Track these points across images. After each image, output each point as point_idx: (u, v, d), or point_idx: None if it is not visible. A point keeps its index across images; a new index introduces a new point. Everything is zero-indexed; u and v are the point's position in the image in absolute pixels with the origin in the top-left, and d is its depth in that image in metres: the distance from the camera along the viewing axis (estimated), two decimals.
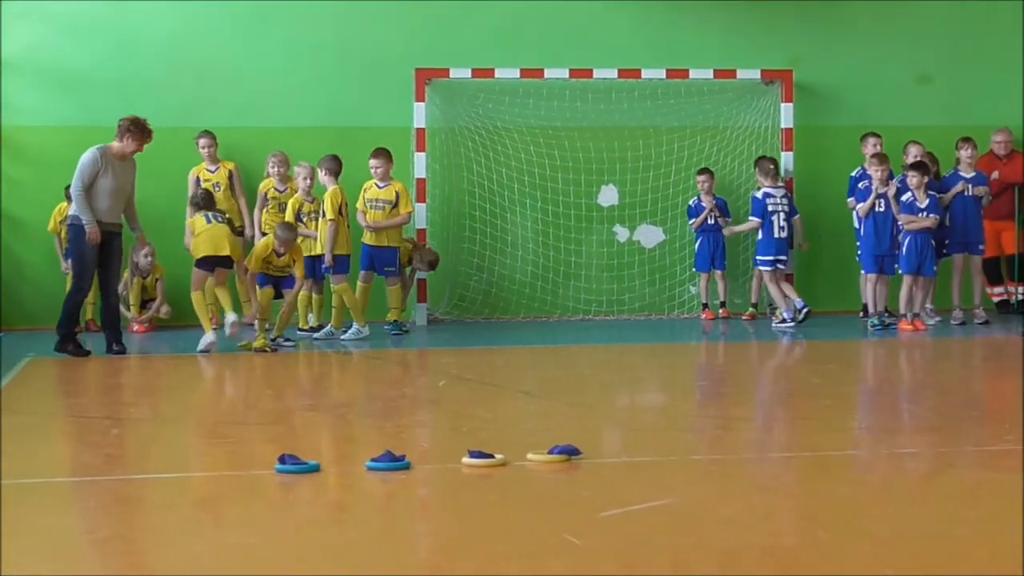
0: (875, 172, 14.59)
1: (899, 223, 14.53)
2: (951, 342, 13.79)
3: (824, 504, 6.64)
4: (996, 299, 15.96)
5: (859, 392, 11.09)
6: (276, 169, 14.86)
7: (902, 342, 13.74)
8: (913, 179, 14.49)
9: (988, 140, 15.85)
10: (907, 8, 16.36)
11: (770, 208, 14.85)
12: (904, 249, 14.46)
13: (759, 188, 15.01)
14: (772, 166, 14.98)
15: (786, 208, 14.94)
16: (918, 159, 14.87)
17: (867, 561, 5.51)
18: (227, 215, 13.80)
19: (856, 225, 15.08)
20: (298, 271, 13.22)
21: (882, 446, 8.36)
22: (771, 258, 14.85)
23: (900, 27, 16.35)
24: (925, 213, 14.45)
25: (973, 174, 15.15)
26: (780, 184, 15.02)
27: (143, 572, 5.49)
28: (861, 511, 6.46)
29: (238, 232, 14.75)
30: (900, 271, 14.63)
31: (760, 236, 14.96)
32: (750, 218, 15.06)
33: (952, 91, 16.42)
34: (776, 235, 14.87)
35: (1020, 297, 16.00)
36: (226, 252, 13.23)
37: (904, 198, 14.52)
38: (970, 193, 15.00)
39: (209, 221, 13.29)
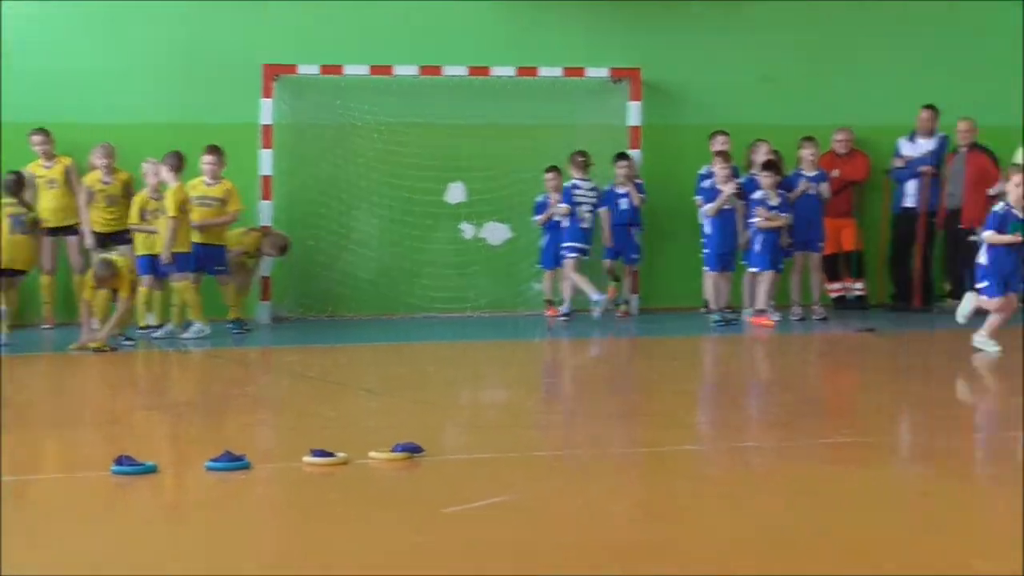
0: (719, 170, 14.77)
1: (750, 221, 14.73)
2: (791, 338, 13.98)
3: (666, 499, 6.68)
4: (834, 295, 16.22)
5: (701, 387, 11.20)
6: (101, 161, 14.54)
7: (743, 338, 13.92)
8: (767, 179, 14.72)
9: (829, 139, 16.12)
10: (751, 8, 16.55)
11: (576, 199, 15.14)
12: (758, 246, 14.66)
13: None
14: (581, 158, 15.33)
15: (592, 200, 15.21)
16: (770, 159, 15.10)
17: (708, 556, 5.54)
18: (33, 214, 13.64)
19: (701, 222, 15.24)
20: (123, 293, 12.87)
21: (723, 441, 8.44)
22: (579, 245, 15.18)
23: (744, 27, 16.52)
24: (777, 212, 14.71)
25: (815, 172, 15.40)
26: (588, 177, 15.24)
27: None
28: (702, 506, 6.51)
29: (72, 231, 14.48)
30: (751, 268, 14.81)
31: (567, 225, 15.16)
32: (559, 205, 15.25)
33: (795, 91, 16.64)
34: (581, 225, 15.19)
35: (857, 293, 16.29)
36: (21, 267, 13.44)
37: (756, 196, 14.72)
38: (813, 191, 15.24)
39: (13, 229, 13.25)
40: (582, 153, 15.38)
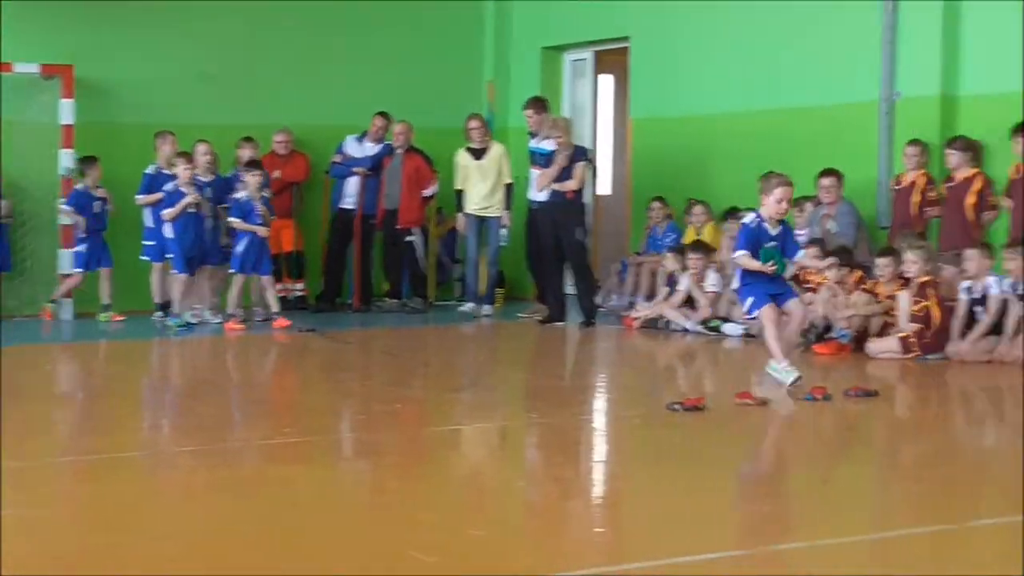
0: (182, 171, 14.51)
1: (231, 224, 14.61)
2: (236, 339, 13.91)
3: (106, 506, 6.53)
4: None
5: (150, 391, 11.00)
6: None
7: (197, 340, 13.75)
8: (252, 179, 14.62)
9: (270, 140, 16.18)
10: (188, 5, 16.35)
11: None
12: (240, 247, 14.57)
13: None
14: None
15: None
16: (253, 158, 15.24)
17: (147, 560, 5.47)
18: None
19: (150, 224, 14.92)
20: None
21: (170, 445, 8.35)
22: None
23: (181, 23, 16.31)
24: (259, 214, 14.70)
25: None
26: None
27: None
28: (142, 511, 6.42)
29: None
30: (232, 270, 14.68)
31: None
32: None
33: (234, 90, 16.58)
34: None
35: (298, 293, 16.47)
36: None
37: (238, 196, 14.62)
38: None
39: None
40: None
